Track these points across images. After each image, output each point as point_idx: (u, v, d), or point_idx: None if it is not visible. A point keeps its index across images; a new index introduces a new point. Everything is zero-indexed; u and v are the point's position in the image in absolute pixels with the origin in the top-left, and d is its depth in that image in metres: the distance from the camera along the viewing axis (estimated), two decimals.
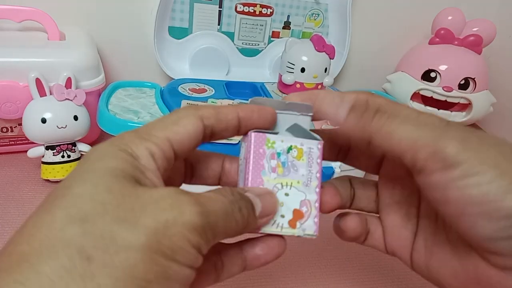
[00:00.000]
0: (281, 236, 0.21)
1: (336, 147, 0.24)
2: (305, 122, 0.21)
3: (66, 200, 0.14)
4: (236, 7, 0.57)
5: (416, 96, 0.59)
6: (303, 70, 0.51)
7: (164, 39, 0.56)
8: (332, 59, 0.53)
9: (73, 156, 0.43)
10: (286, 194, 0.20)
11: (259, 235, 0.21)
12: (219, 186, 0.19)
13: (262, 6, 0.58)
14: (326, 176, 0.42)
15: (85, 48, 0.46)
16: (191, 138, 0.18)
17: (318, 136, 0.21)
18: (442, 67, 0.57)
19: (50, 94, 0.41)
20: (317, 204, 0.21)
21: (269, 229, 0.20)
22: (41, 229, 0.13)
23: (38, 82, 0.40)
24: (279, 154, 0.20)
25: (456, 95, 0.56)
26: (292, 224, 0.20)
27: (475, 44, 0.57)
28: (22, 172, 0.44)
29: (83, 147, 0.44)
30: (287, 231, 0.20)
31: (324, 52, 0.52)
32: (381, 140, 0.18)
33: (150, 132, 0.17)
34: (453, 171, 0.16)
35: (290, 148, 0.21)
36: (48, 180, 0.42)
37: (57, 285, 0.11)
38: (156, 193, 0.14)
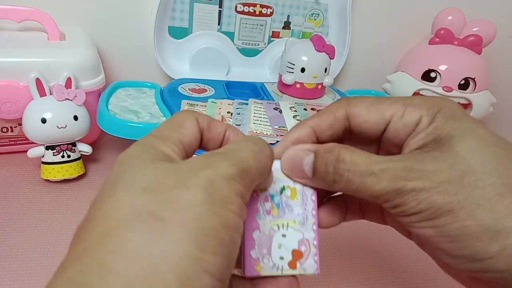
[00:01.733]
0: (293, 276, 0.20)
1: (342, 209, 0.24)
2: None
3: (121, 184, 0.15)
4: (236, 7, 0.57)
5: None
6: (303, 70, 0.51)
7: (164, 39, 0.56)
8: (332, 59, 0.53)
9: (73, 156, 0.43)
10: (284, 236, 0.20)
11: None
12: None
13: (262, 6, 0.58)
14: None
15: (85, 48, 0.46)
16: (196, 139, 0.19)
17: None
18: (442, 67, 0.57)
19: (50, 94, 0.41)
20: (315, 242, 0.21)
21: (270, 272, 0.20)
22: (111, 210, 0.14)
23: (38, 82, 0.40)
24: (272, 196, 0.20)
25: (456, 95, 0.56)
26: (292, 265, 0.20)
27: (475, 44, 0.57)
28: (22, 172, 0.44)
29: (83, 147, 0.44)
30: (287, 272, 0.20)
31: (324, 52, 0.52)
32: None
33: (164, 135, 0.18)
34: (412, 217, 0.18)
35: (283, 189, 0.20)
36: (48, 180, 0.42)
37: (143, 246, 0.13)
38: (190, 162, 0.16)
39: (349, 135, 0.22)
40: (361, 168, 0.18)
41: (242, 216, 0.16)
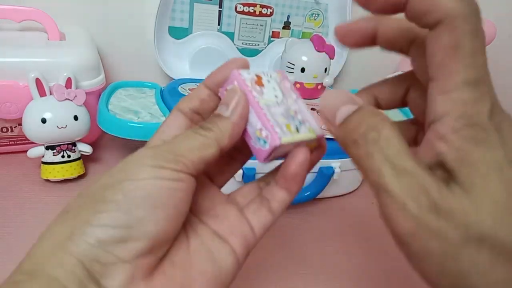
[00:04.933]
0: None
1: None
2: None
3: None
4: (236, 7, 0.57)
5: None
6: (303, 70, 0.51)
7: (164, 39, 0.56)
8: (332, 59, 0.53)
9: (73, 156, 0.43)
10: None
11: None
12: None
13: (262, 6, 0.58)
14: (326, 176, 0.42)
15: (85, 48, 0.46)
16: (183, 125, 0.23)
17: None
18: None
19: (50, 94, 0.41)
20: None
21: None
22: (119, 173, 0.18)
23: (38, 82, 0.40)
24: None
25: None
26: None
27: None
28: (22, 172, 0.44)
29: (83, 147, 0.44)
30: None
31: (324, 52, 0.52)
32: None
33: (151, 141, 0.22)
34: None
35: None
36: (48, 180, 0.42)
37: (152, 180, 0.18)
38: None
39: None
40: (387, 151, 0.17)
41: (181, 170, 0.19)
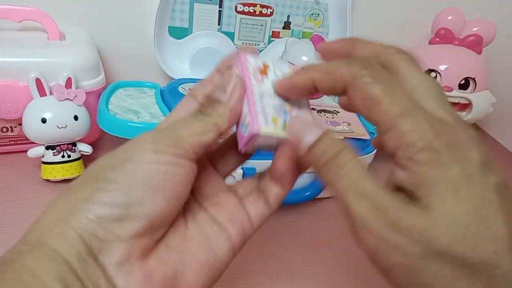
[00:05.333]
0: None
1: None
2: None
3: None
4: (236, 7, 0.57)
5: None
6: None
7: (164, 39, 0.56)
8: None
9: (73, 156, 0.43)
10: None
11: None
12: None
13: (262, 6, 0.58)
14: None
15: (85, 48, 0.46)
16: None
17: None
18: (442, 67, 0.57)
19: (50, 94, 0.41)
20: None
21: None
22: (121, 154, 0.19)
23: (38, 82, 0.40)
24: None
25: (456, 95, 0.56)
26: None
27: (475, 44, 0.57)
28: (22, 172, 0.44)
29: (83, 147, 0.44)
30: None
31: None
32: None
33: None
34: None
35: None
36: (48, 180, 0.42)
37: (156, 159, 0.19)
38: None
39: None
40: (350, 177, 0.18)
41: (181, 155, 0.19)
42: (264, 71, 0.22)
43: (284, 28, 0.61)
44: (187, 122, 0.20)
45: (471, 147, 0.17)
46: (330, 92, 0.21)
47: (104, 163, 0.19)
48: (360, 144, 0.46)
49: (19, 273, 0.16)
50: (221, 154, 0.25)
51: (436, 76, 0.57)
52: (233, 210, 0.22)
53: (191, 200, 0.22)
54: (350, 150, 0.19)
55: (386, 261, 0.17)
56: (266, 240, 0.39)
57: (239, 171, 0.38)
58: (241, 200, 0.23)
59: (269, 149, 0.23)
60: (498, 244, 0.16)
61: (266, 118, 0.21)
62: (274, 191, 0.23)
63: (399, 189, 0.18)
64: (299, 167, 0.23)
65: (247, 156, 0.25)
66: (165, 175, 0.19)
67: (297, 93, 0.22)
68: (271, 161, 0.23)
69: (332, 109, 0.50)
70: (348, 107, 0.24)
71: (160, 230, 0.19)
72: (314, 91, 0.21)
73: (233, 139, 0.24)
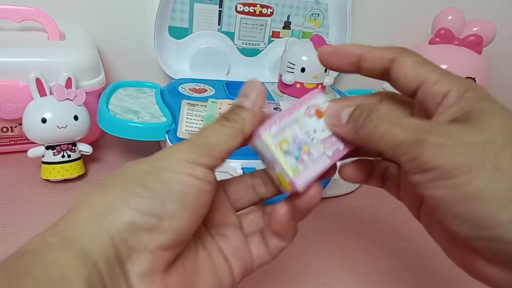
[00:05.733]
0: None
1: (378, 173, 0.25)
2: None
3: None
4: (236, 7, 0.57)
5: None
6: (303, 70, 0.51)
7: (164, 39, 0.56)
8: None
9: (73, 156, 0.43)
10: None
11: None
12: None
13: (262, 6, 0.58)
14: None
15: (85, 48, 0.46)
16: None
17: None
18: (442, 67, 0.56)
19: (50, 94, 0.41)
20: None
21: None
22: (158, 162, 0.19)
23: (38, 82, 0.40)
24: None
25: None
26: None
27: (475, 44, 0.57)
28: (22, 172, 0.44)
29: (83, 147, 0.44)
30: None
31: None
32: (373, 145, 0.20)
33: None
34: (428, 174, 0.17)
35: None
36: (48, 180, 0.42)
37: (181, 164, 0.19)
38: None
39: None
40: (390, 117, 0.19)
41: (199, 174, 0.19)
42: (321, 113, 0.22)
43: (284, 28, 0.61)
44: (215, 130, 0.20)
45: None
46: (373, 63, 0.21)
47: (141, 167, 0.19)
48: None
49: (49, 270, 0.15)
50: (236, 190, 0.25)
51: None
52: (238, 245, 0.23)
53: (201, 226, 0.22)
54: (383, 103, 0.20)
55: (446, 165, 0.17)
56: None
57: (239, 171, 0.38)
58: (246, 238, 0.24)
59: (262, 160, 0.22)
60: None
61: (277, 135, 0.21)
62: (274, 243, 0.23)
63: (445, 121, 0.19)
64: (297, 219, 0.23)
65: (261, 199, 0.25)
66: (197, 192, 0.19)
67: (339, 59, 0.22)
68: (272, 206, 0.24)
69: None
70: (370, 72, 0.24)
71: (181, 246, 0.19)
72: (356, 65, 0.22)
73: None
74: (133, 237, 0.17)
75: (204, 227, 0.23)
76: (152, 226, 0.17)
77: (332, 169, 0.23)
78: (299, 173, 0.21)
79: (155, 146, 0.49)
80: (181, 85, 0.52)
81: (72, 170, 0.42)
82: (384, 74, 0.21)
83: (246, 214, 0.25)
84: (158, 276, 0.18)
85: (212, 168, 0.20)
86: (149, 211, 0.17)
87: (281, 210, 0.22)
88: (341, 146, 0.22)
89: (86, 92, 0.43)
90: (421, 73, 0.20)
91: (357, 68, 0.22)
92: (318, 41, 0.51)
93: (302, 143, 0.21)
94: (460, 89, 0.19)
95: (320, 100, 0.23)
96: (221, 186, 0.24)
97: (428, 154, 0.17)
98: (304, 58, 0.51)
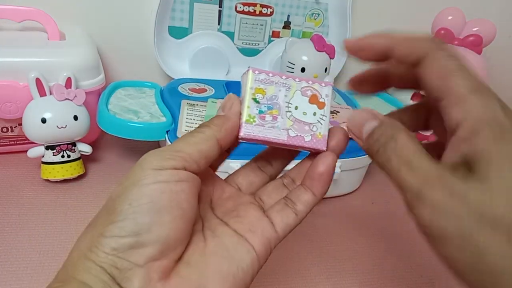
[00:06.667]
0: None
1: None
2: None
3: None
4: (236, 7, 0.57)
5: (417, 96, 0.59)
6: (303, 70, 0.51)
7: (164, 39, 0.56)
8: (333, 58, 0.53)
9: (73, 156, 0.43)
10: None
11: None
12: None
13: (262, 5, 0.58)
14: None
15: (85, 48, 0.46)
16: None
17: None
18: None
19: (50, 94, 0.41)
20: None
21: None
22: (126, 180, 0.19)
23: (38, 82, 0.40)
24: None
25: None
26: None
27: (475, 44, 0.57)
28: (22, 172, 0.44)
29: (83, 147, 0.44)
30: None
31: (324, 52, 0.52)
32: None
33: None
34: (421, 226, 0.18)
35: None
36: (48, 180, 0.42)
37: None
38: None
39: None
40: (404, 154, 0.19)
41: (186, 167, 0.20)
42: (316, 100, 0.23)
43: (284, 28, 0.61)
44: (185, 136, 0.21)
45: None
46: (402, 58, 0.21)
47: (114, 194, 0.19)
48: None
49: None
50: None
51: None
52: (253, 220, 0.23)
53: (211, 217, 0.23)
54: (407, 132, 0.20)
55: (439, 231, 0.17)
56: None
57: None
58: (265, 209, 0.24)
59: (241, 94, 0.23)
60: None
61: (260, 82, 0.22)
62: (305, 198, 0.23)
63: (459, 165, 0.18)
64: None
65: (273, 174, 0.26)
66: (169, 195, 0.19)
67: (368, 54, 0.22)
68: (298, 164, 0.24)
69: (332, 109, 0.50)
70: (403, 81, 0.24)
71: (177, 250, 0.19)
72: (385, 58, 0.21)
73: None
74: (120, 260, 0.18)
75: (217, 218, 0.23)
76: (133, 244, 0.18)
77: (286, 151, 0.24)
78: (251, 123, 0.21)
79: (154, 146, 0.49)
80: (180, 85, 0.52)
81: (72, 170, 0.42)
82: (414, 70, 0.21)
83: (264, 187, 0.25)
84: (159, 284, 0.18)
85: (184, 169, 0.19)
86: (125, 232, 0.18)
87: (329, 158, 0.23)
88: (308, 138, 0.22)
89: (86, 92, 0.43)
90: (447, 84, 0.19)
91: (387, 60, 0.22)
92: (318, 41, 0.51)
93: (275, 106, 0.22)
94: (476, 121, 0.18)
95: (324, 91, 0.23)
96: (220, 180, 0.25)
97: (424, 212, 0.18)
98: (304, 58, 0.51)
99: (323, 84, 0.23)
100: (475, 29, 0.58)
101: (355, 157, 0.44)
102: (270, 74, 0.22)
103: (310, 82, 0.22)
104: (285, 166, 0.26)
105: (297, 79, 0.22)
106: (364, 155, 0.45)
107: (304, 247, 0.39)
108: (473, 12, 0.60)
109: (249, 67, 0.22)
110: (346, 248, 0.39)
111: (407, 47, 0.20)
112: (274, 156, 0.26)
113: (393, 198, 0.46)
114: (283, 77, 0.22)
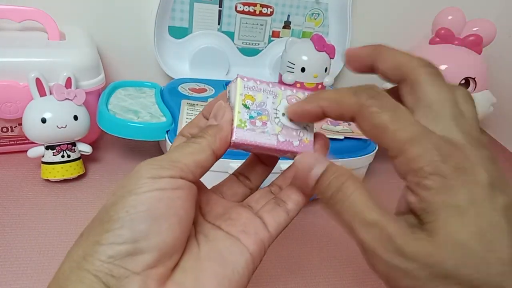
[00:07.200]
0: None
1: None
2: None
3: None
4: (236, 7, 0.57)
5: None
6: (303, 69, 0.51)
7: (164, 39, 0.56)
8: (333, 58, 0.53)
9: (73, 156, 0.43)
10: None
11: None
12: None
13: (262, 5, 0.58)
14: None
15: (85, 48, 0.46)
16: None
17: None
18: (442, 67, 0.57)
19: (50, 94, 0.41)
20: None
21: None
22: (121, 189, 0.19)
23: (38, 82, 0.40)
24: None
25: None
26: None
27: (475, 44, 0.57)
28: (22, 172, 0.44)
29: (83, 147, 0.44)
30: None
31: (324, 52, 0.51)
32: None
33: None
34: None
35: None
36: (48, 180, 0.42)
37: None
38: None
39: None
40: (354, 208, 0.19)
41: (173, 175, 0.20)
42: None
43: (284, 27, 0.61)
44: (181, 146, 0.21)
45: (480, 169, 0.17)
46: (340, 119, 0.21)
47: (108, 204, 0.19)
48: (360, 144, 0.46)
49: None
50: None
51: None
52: (245, 221, 0.23)
53: (203, 223, 0.23)
54: (354, 180, 0.19)
55: (396, 285, 0.18)
56: None
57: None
58: (255, 211, 0.24)
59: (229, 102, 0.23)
60: (503, 267, 0.16)
61: (249, 90, 0.22)
62: (295, 197, 0.24)
63: (409, 214, 0.19)
64: None
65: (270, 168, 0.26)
66: (166, 202, 0.19)
67: (308, 119, 0.23)
68: (286, 169, 0.24)
69: None
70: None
71: (173, 257, 0.20)
72: (324, 117, 0.22)
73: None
74: (116, 268, 0.18)
75: (209, 223, 0.23)
76: (131, 251, 0.18)
77: (274, 158, 0.25)
78: (242, 128, 0.22)
79: (154, 146, 0.49)
80: (181, 85, 0.52)
81: (72, 170, 0.42)
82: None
83: (251, 195, 0.25)
84: None
85: (180, 178, 0.20)
86: (122, 240, 0.18)
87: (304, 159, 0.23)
88: (296, 143, 0.23)
89: (86, 92, 0.43)
90: (382, 141, 0.19)
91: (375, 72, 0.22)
92: (318, 41, 0.51)
93: (265, 113, 0.22)
94: (417, 172, 0.18)
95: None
96: (206, 188, 0.25)
97: (381, 268, 0.18)
98: (304, 57, 0.51)
99: (306, 93, 0.23)
100: (475, 29, 0.58)
101: (355, 157, 0.44)
102: (258, 82, 0.22)
103: (294, 90, 0.23)
104: (263, 180, 0.26)
105: (282, 87, 0.23)
106: (364, 155, 0.45)
107: (304, 247, 0.39)
108: (473, 12, 0.60)
109: (237, 75, 0.22)
110: (346, 248, 0.39)
111: (336, 110, 0.21)
112: (252, 170, 0.26)
113: (393, 198, 0.46)
114: (270, 85, 0.23)
